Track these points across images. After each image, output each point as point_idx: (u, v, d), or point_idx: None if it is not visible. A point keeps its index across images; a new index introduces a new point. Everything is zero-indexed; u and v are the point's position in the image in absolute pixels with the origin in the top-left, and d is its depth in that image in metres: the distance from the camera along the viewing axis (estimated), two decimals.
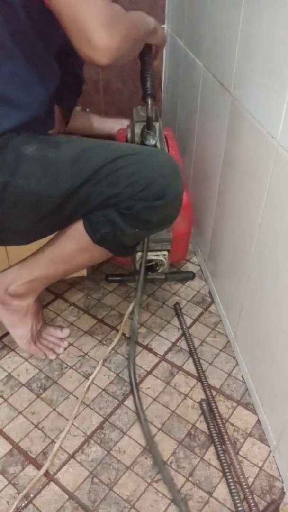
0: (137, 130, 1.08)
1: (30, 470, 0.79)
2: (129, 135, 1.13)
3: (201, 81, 1.09)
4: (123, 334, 1.05)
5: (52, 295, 1.15)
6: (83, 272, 1.16)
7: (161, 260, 1.07)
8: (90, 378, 0.94)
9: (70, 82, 0.97)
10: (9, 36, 0.68)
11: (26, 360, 0.98)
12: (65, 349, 1.00)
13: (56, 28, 0.65)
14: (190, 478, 0.78)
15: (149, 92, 1.02)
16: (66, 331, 1.03)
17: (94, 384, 0.93)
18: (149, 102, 1.02)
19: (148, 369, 0.97)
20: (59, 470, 0.79)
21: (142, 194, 0.74)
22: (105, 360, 0.98)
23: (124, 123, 1.27)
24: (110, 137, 1.27)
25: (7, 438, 0.83)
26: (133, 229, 0.79)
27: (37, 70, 0.73)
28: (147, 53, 0.92)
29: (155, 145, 0.99)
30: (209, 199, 1.10)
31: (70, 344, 1.02)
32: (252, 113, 0.79)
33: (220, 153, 0.99)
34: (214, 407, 0.87)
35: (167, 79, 1.48)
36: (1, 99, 0.70)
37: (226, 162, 0.96)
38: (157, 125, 1.04)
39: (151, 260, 1.07)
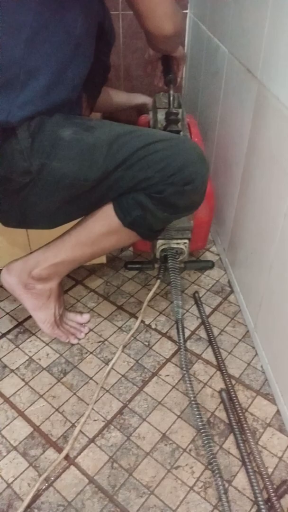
0: (160, 116, 1.07)
1: (50, 453, 0.80)
2: (151, 122, 1.12)
3: (226, 67, 1.07)
4: (143, 321, 1.05)
5: (72, 281, 1.16)
6: (103, 259, 1.16)
7: (181, 249, 1.06)
8: (110, 364, 0.94)
9: (96, 69, 0.97)
10: (51, 15, 0.69)
11: (47, 344, 0.99)
12: (85, 334, 1.01)
13: (97, 10, 0.66)
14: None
15: (171, 77, 1.01)
16: (86, 317, 1.03)
17: (114, 370, 0.94)
18: (172, 88, 1.01)
19: (167, 357, 0.97)
20: (79, 454, 0.80)
21: (172, 179, 0.77)
22: (124, 347, 0.99)
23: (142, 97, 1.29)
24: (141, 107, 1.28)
25: (28, 421, 0.84)
26: (162, 212, 0.81)
27: (74, 52, 0.73)
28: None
29: (178, 132, 0.98)
30: (231, 187, 1.09)
31: (90, 330, 1.03)
32: (280, 99, 0.77)
33: (243, 140, 0.97)
34: (234, 396, 0.87)
35: (188, 65, 1.46)
36: (35, 80, 0.70)
37: (250, 150, 0.95)
38: (180, 111, 1.03)
39: (171, 248, 1.07)
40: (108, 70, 1.13)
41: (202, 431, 0.80)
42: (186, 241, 1.05)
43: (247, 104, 0.93)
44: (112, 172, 0.77)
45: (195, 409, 0.83)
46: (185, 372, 0.88)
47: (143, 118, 1.20)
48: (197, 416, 0.82)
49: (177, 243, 1.05)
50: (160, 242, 1.06)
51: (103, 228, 0.85)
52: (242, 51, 0.95)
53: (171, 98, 1.00)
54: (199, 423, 0.81)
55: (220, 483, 0.74)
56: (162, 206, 0.80)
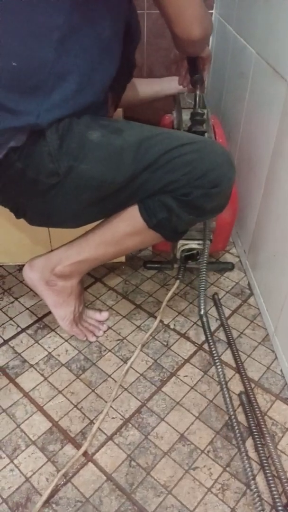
0: (185, 116, 1.06)
1: (69, 449, 0.80)
2: (175, 122, 1.12)
3: (252, 68, 1.06)
4: (161, 321, 1.05)
5: (91, 279, 1.16)
6: (122, 258, 1.16)
7: (202, 249, 1.06)
8: (129, 362, 0.94)
9: (122, 67, 0.97)
10: (81, 18, 0.69)
11: (66, 341, 1.00)
12: (104, 332, 1.01)
13: (124, 10, 0.66)
14: (227, 469, 0.78)
15: (199, 77, 1.01)
16: (105, 314, 1.03)
17: (132, 368, 0.94)
18: (199, 88, 1.01)
19: (186, 357, 0.97)
20: (97, 451, 0.80)
21: (199, 182, 0.76)
22: (143, 346, 0.99)
23: (174, 80, 1.22)
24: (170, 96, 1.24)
25: (47, 416, 0.85)
26: (188, 215, 0.81)
27: (103, 55, 0.74)
28: None
29: (203, 133, 0.98)
30: (254, 189, 1.08)
31: (108, 328, 1.03)
32: None
33: (269, 142, 0.96)
34: (253, 399, 0.87)
35: (213, 66, 1.45)
36: (65, 83, 0.70)
37: (276, 152, 0.94)
38: (205, 112, 1.03)
39: (192, 249, 1.06)
40: (134, 68, 1.13)
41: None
42: (208, 241, 1.05)
43: (275, 105, 0.92)
44: (139, 175, 0.77)
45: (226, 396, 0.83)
46: (216, 359, 0.87)
47: (166, 118, 1.20)
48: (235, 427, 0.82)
49: (199, 244, 1.05)
50: (181, 242, 1.06)
51: (127, 228, 0.85)
52: (270, 52, 0.95)
53: (197, 98, 1.00)
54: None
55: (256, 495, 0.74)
56: (188, 208, 0.80)
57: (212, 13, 1.41)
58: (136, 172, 0.77)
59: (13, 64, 0.68)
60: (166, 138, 0.78)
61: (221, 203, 0.83)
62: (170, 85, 1.26)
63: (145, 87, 1.26)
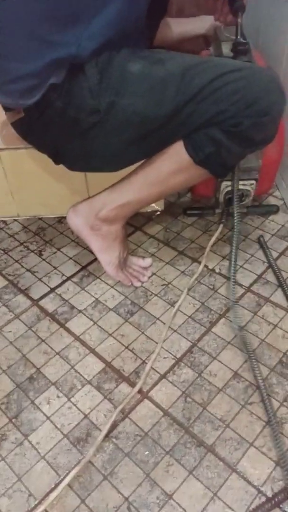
0: (225, 50, 1.01)
1: (124, 387, 0.81)
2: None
3: None
4: (206, 266, 1.03)
5: (131, 228, 1.14)
6: (160, 206, 1.13)
7: (247, 190, 1.02)
8: (176, 305, 0.93)
9: (156, 2, 0.91)
10: None
11: (112, 287, 0.99)
12: (149, 278, 1.00)
13: None
14: (284, 403, 0.77)
15: (240, 4, 0.95)
16: (148, 260, 1.02)
17: (180, 311, 0.93)
18: (240, 17, 0.95)
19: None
20: (152, 388, 0.80)
21: (249, 110, 0.72)
22: (189, 289, 0.97)
23: (208, 19, 1.16)
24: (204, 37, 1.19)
25: (100, 357, 0.86)
26: (238, 147, 0.77)
27: None
28: None
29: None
30: None
31: (153, 274, 1.02)
32: None
33: None
34: None
35: None
36: (105, 10, 0.67)
37: None
38: (248, 42, 0.97)
39: (238, 190, 1.03)
40: (167, 2, 1.07)
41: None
42: (253, 182, 1.01)
43: None
44: (184, 107, 0.73)
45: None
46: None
47: (204, 54, 1.14)
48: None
49: (244, 184, 1.01)
50: (225, 183, 1.02)
51: (172, 166, 0.82)
52: None
53: (239, 27, 0.94)
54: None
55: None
56: (238, 140, 0.76)
57: None
58: (181, 105, 0.73)
59: None
60: (211, 66, 0.74)
61: (270, 133, 0.79)
62: (201, 24, 1.19)
63: (176, 26, 1.20)
